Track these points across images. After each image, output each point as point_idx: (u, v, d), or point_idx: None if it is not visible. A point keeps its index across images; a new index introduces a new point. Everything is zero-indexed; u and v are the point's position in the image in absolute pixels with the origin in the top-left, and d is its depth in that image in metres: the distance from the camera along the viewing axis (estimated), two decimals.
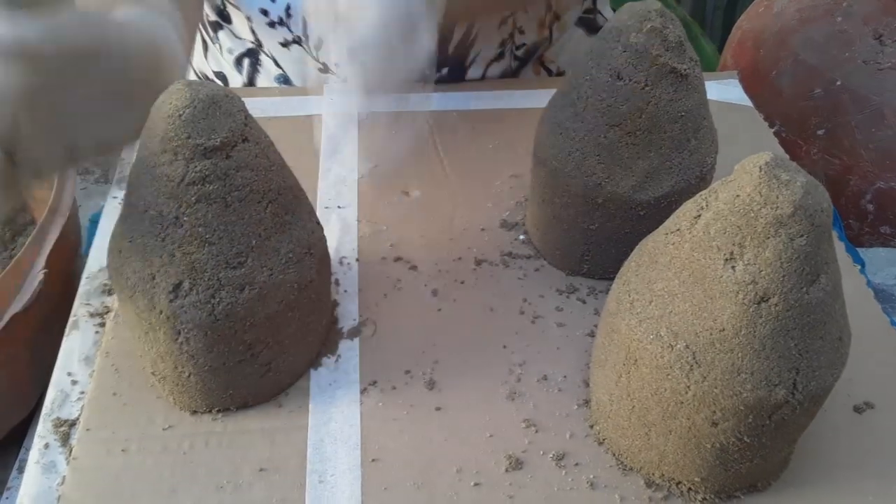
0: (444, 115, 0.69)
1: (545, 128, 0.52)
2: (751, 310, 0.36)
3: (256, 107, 0.68)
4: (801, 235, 0.35)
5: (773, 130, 0.77)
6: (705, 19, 1.59)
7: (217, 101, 0.39)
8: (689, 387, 0.38)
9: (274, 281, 0.42)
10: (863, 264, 0.77)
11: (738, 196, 0.36)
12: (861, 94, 1.02)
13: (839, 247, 0.59)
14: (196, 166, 0.39)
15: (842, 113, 1.04)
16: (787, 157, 0.40)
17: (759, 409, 0.38)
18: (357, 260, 0.56)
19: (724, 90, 0.71)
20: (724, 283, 0.37)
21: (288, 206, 0.43)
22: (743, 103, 0.70)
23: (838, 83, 1.04)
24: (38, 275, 0.60)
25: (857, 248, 0.84)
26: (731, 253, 0.37)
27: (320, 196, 0.61)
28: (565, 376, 0.49)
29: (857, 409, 0.48)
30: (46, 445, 0.46)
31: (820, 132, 1.05)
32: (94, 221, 0.67)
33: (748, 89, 0.75)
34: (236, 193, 0.40)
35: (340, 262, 0.56)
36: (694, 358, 0.38)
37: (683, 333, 0.38)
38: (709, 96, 0.51)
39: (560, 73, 0.81)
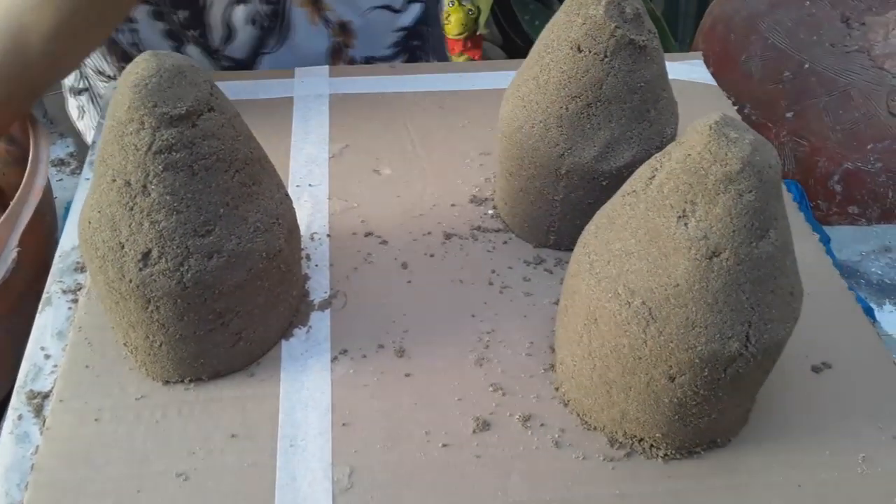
0: (413, 95, 0.70)
1: (510, 101, 0.53)
2: (703, 265, 0.38)
3: (228, 89, 0.68)
4: (750, 191, 0.37)
5: (742, 114, 0.79)
6: (679, 9, 1.61)
7: (183, 71, 0.40)
8: (645, 342, 0.39)
9: (242, 249, 0.43)
10: (827, 240, 0.79)
11: (689, 155, 0.38)
12: (828, 77, 1.04)
13: (801, 220, 0.60)
14: (162, 135, 0.40)
15: (810, 95, 1.06)
16: (738, 118, 0.41)
17: (713, 363, 0.39)
18: (328, 235, 0.57)
19: (688, 70, 0.72)
20: (678, 239, 0.38)
21: (255, 175, 0.44)
22: (707, 82, 0.72)
23: (806, 66, 1.06)
24: (11, 253, 0.61)
25: (824, 226, 0.86)
26: (684, 210, 0.38)
27: (292, 175, 0.61)
28: (532, 342, 0.50)
29: (815, 369, 0.49)
30: (20, 417, 0.46)
31: (788, 115, 1.07)
32: (69, 209, 0.68)
33: (719, 73, 0.76)
34: (203, 162, 0.41)
35: (312, 238, 0.57)
36: (650, 314, 0.39)
37: (640, 290, 0.39)
38: (674, 76, 0.53)
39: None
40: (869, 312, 0.85)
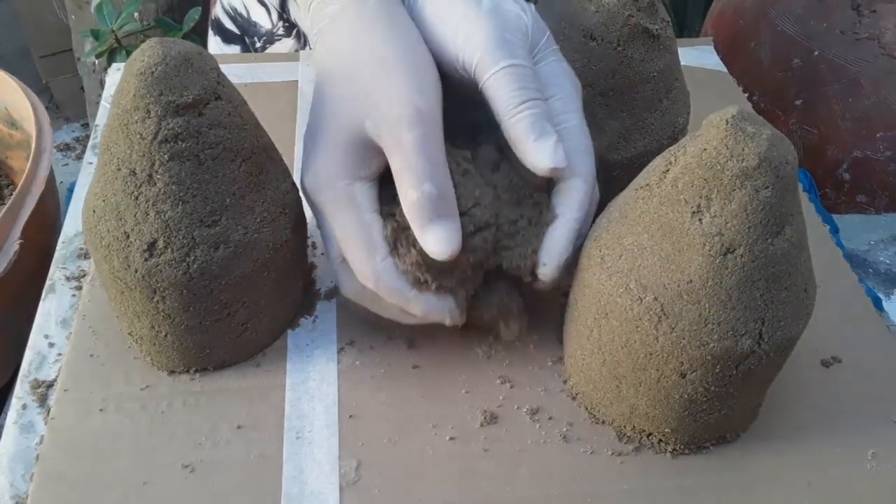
0: None
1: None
2: (717, 261, 0.37)
3: (233, 73, 0.68)
4: (766, 187, 0.36)
5: (752, 101, 0.78)
6: None
7: (189, 59, 0.39)
8: (657, 338, 0.39)
9: (248, 240, 0.43)
10: (836, 229, 0.78)
11: (704, 149, 0.37)
12: (838, 65, 1.03)
13: (811, 210, 0.59)
14: (168, 124, 0.39)
15: (819, 83, 1.04)
16: (755, 112, 0.40)
17: (725, 360, 0.39)
18: None
19: (699, 56, 0.72)
20: (692, 235, 0.37)
21: (262, 165, 0.43)
22: (717, 69, 0.71)
23: (816, 53, 1.04)
24: (13, 245, 0.60)
25: (833, 215, 0.85)
26: (698, 206, 0.37)
27: (297, 160, 0.61)
28: (540, 335, 0.49)
29: (825, 364, 0.49)
30: (24, 406, 0.46)
31: (798, 102, 1.06)
32: (72, 190, 0.67)
33: (728, 60, 0.75)
34: (209, 151, 0.40)
35: (318, 227, 0.56)
36: (662, 310, 0.38)
37: (652, 286, 0.39)
38: (684, 62, 0.52)
39: None
40: (877, 302, 0.84)
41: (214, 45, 0.85)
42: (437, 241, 0.40)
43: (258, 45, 0.81)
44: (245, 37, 0.81)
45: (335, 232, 0.43)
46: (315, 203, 0.44)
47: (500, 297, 0.45)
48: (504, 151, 0.44)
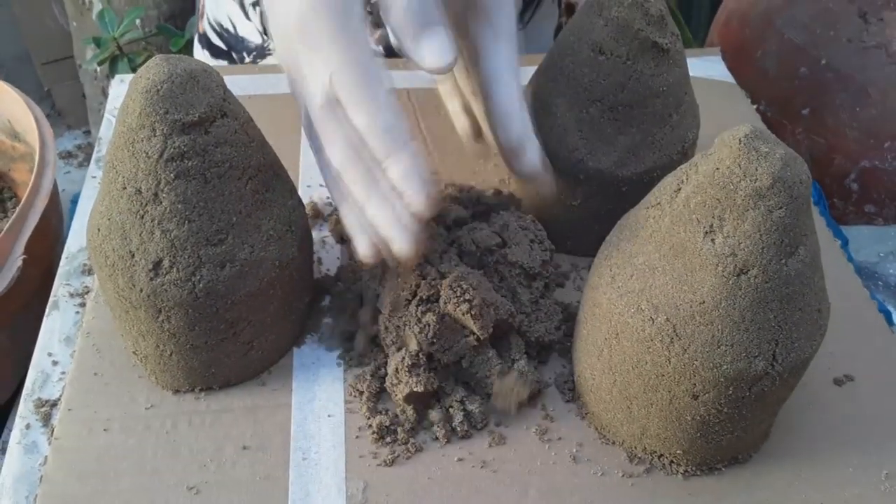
0: (425, 92, 0.68)
1: (527, 103, 0.52)
2: (730, 282, 0.36)
3: (236, 84, 0.67)
4: (780, 207, 0.35)
5: (758, 111, 0.77)
6: (692, 2, 1.58)
7: (195, 76, 0.39)
8: (669, 359, 0.38)
9: (255, 258, 0.42)
10: (845, 241, 0.78)
11: (717, 169, 0.36)
12: (845, 73, 1.02)
13: (822, 224, 0.59)
14: (174, 142, 0.39)
15: (826, 92, 1.04)
16: (767, 130, 0.40)
17: (738, 381, 0.38)
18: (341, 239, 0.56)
19: (706, 67, 0.71)
20: (704, 255, 0.37)
21: (268, 182, 0.43)
22: (725, 79, 0.70)
23: (823, 62, 1.04)
24: (16, 261, 0.60)
25: (841, 226, 0.84)
26: (711, 226, 0.37)
27: (302, 174, 0.60)
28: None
29: (837, 382, 0.48)
30: (28, 426, 0.45)
31: (804, 112, 1.05)
32: (75, 202, 0.67)
33: (734, 69, 0.75)
34: (215, 170, 0.40)
35: (323, 242, 0.55)
36: (674, 331, 0.38)
37: (664, 306, 0.38)
38: (691, 73, 0.51)
39: None
40: (888, 317, 0.83)
41: (202, 59, 0.83)
42: (432, 53, 0.40)
43: (247, 60, 0.80)
44: (233, 52, 0.80)
45: (330, 66, 0.39)
46: (298, 43, 0.40)
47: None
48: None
